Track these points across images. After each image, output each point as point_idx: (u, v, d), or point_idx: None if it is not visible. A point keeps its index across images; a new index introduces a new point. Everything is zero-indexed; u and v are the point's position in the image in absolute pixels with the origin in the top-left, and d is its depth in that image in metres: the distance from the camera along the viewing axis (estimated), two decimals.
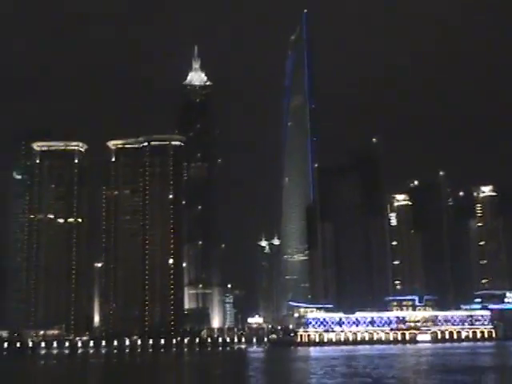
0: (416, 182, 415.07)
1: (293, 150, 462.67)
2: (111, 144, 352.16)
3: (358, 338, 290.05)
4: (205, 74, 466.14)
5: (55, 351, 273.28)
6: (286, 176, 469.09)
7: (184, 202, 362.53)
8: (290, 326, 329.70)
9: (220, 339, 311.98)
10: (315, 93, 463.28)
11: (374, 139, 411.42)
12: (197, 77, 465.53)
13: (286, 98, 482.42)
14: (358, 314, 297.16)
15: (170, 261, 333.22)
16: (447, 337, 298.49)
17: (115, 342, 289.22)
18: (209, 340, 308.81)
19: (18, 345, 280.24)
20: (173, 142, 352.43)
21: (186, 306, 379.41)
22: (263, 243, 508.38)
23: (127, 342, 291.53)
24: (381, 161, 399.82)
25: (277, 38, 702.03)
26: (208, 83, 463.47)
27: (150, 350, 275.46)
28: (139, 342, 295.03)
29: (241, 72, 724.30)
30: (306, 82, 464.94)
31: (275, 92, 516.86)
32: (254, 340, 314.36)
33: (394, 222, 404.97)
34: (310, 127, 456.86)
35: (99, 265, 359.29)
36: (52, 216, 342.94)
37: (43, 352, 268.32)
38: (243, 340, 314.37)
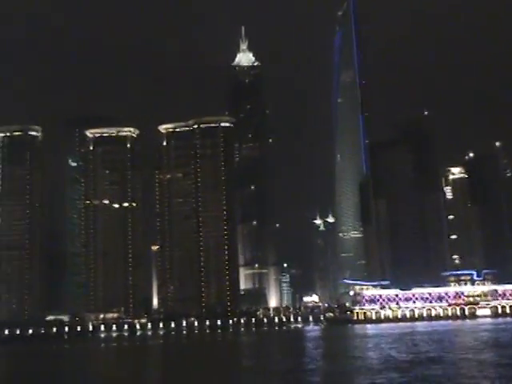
0: (471, 155, 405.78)
1: (344, 127, 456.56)
2: (162, 128, 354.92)
3: (415, 315, 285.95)
4: (253, 55, 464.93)
5: (114, 334, 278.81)
6: (337, 153, 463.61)
7: (236, 183, 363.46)
8: (347, 304, 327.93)
9: (276, 319, 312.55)
10: (365, 68, 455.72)
11: (425, 112, 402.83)
12: (245, 57, 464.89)
13: (335, 75, 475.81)
14: (415, 290, 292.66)
15: (225, 242, 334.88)
16: (508, 311, 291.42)
17: (172, 324, 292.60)
18: (265, 320, 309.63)
19: (79, 328, 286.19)
20: (223, 124, 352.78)
21: (243, 287, 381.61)
22: (318, 221, 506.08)
23: (184, 324, 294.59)
24: (433, 134, 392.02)
25: (324, 13, 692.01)
26: (256, 63, 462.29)
27: (207, 331, 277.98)
28: (196, 323, 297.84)
29: (289, 50, 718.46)
30: (355, 58, 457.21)
31: (324, 69, 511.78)
32: (311, 319, 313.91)
33: (449, 195, 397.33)
34: (361, 103, 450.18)
35: (155, 248, 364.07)
36: (107, 201, 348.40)
37: (103, 335, 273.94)
38: (299, 319, 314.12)
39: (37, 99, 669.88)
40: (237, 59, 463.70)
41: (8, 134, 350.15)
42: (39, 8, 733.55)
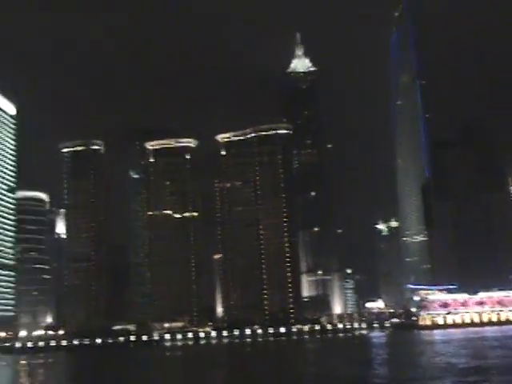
0: None
1: (404, 129, 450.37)
2: (220, 138, 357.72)
3: (484, 320, 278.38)
4: (309, 60, 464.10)
5: (179, 343, 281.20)
6: (398, 156, 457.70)
7: (296, 189, 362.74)
8: (412, 309, 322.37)
9: (341, 325, 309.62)
10: (424, 68, 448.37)
11: (487, 111, 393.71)
12: (301, 63, 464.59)
13: (393, 76, 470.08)
14: (483, 294, 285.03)
15: (286, 249, 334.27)
16: None
17: (236, 332, 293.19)
18: (329, 327, 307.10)
19: (145, 338, 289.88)
20: (280, 131, 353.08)
21: (306, 294, 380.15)
22: (380, 226, 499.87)
23: (248, 331, 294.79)
24: (497, 133, 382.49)
25: (380, 15, 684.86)
26: (312, 69, 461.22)
27: (271, 339, 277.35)
28: (260, 330, 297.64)
29: (345, 54, 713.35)
30: (414, 58, 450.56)
31: (382, 71, 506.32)
32: (375, 325, 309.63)
33: None
34: (422, 104, 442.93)
35: (217, 256, 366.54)
36: (169, 212, 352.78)
37: (168, 344, 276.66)
38: (364, 325, 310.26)
39: (99, 113, 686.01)
40: (292, 65, 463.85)
41: (72, 149, 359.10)
42: (104, 21, 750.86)
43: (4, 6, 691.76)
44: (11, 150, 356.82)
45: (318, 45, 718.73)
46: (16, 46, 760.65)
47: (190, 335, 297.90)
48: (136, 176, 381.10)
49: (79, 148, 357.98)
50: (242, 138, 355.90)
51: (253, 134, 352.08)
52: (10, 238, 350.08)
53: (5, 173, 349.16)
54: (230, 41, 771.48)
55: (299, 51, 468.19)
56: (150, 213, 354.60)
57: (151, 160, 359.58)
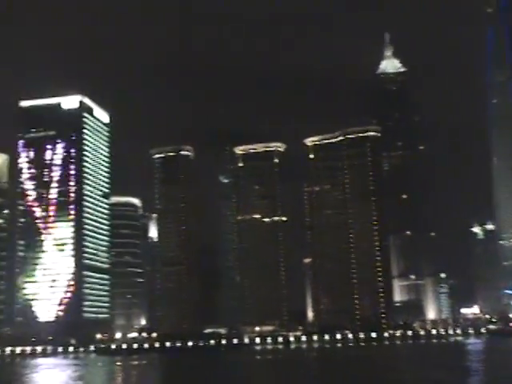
0: None
1: (500, 128, 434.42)
2: (308, 141, 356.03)
3: None
4: (399, 61, 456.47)
5: (269, 346, 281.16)
6: (494, 155, 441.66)
7: (387, 192, 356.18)
8: (511, 315, 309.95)
9: (434, 331, 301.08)
10: None
11: None
12: (390, 64, 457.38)
13: (488, 74, 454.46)
14: None
15: (377, 253, 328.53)
16: None
17: (326, 336, 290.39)
18: (422, 332, 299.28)
19: (235, 341, 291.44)
20: (369, 133, 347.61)
21: (398, 299, 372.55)
22: (475, 229, 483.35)
23: (339, 336, 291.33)
24: None
25: (472, 11, 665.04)
26: (402, 69, 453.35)
27: (362, 344, 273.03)
28: (350, 335, 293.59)
29: (435, 53, 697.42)
30: (509, 55, 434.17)
31: (473, 70, 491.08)
32: (471, 331, 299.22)
33: None
34: None
35: (307, 260, 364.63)
36: (258, 216, 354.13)
37: (258, 347, 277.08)
38: (459, 331, 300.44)
39: (188, 119, 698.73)
40: (381, 67, 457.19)
41: (163, 155, 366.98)
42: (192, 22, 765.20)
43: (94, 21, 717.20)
44: (105, 157, 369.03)
45: (408, 45, 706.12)
46: (107, 58, 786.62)
47: (280, 339, 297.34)
48: (225, 180, 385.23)
49: (169, 154, 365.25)
50: (330, 140, 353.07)
51: (342, 137, 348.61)
52: (105, 243, 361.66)
53: (100, 179, 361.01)
54: (320, 43, 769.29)
55: (388, 52, 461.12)
56: (240, 217, 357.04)
57: (240, 164, 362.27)
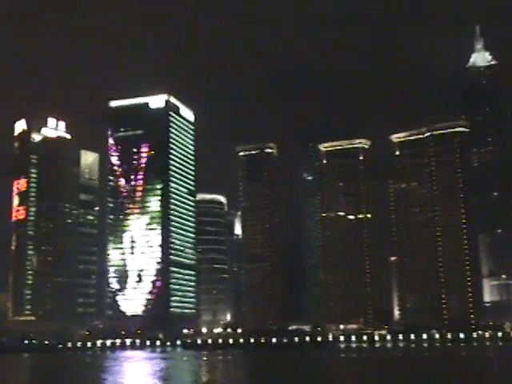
0: None
1: None
2: (394, 138, 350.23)
3: None
4: (489, 54, 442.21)
5: (354, 345, 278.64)
6: None
7: (476, 190, 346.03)
8: None
9: None
10: None
11: None
12: (480, 57, 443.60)
13: None
14: None
15: (465, 251, 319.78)
16: None
17: (412, 336, 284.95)
18: None
19: (319, 338, 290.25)
20: (457, 129, 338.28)
21: (488, 298, 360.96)
22: None
23: (425, 336, 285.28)
24: None
25: None
26: (493, 62, 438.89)
27: (449, 344, 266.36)
28: (437, 335, 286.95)
29: None
30: None
31: None
32: None
33: None
34: None
35: (393, 258, 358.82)
36: (342, 213, 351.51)
37: (342, 345, 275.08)
38: None
39: (272, 116, 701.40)
40: (471, 60, 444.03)
41: (247, 153, 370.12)
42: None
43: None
44: (191, 155, 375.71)
45: (499, 37, 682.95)
46: (194, 57, 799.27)
47: (364, 337, 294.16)
48: (309, 178, 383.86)
49: (254, 152, 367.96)
50: (417, 137, 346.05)
51: (429, 133, 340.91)
52: (191, 240, 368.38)
53: (186, 177, 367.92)
54: (408, 37, 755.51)
55: (479, 45, 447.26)
56: (324, 214, 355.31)
57: (324, 161, 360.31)
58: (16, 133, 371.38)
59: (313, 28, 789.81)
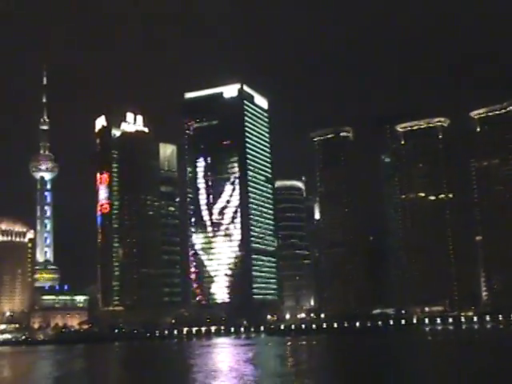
0: None
1: None
2: (474, 114, 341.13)
3: None
4: None
5: (439, 327, 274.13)
6: None
7: None
8: None
9: None
10: None
11: None
12: None
13: None
14: None
15: None
16: None
17: (500, 317, 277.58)
18: None
19: (403, 322, 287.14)
20: None
21: None
22: None
23: None
24: None
25: None
26: None
27: None
28: None
29: None
30: None
31: None
32: None
33: None
34: None
35: (478, 238, 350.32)
36: (422, 194, 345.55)
37: (427, 328, 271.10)
38: None
39: (347, 99, 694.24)
40: None
41: (322, 138, 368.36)
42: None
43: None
44: (266, 142, 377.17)
45: None
46: (267, 45, 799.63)
47: (450, 320, 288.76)
48: (387, 160, 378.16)
49: (329, 136, 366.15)
50: (499, 112, 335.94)
51: (510, 108, 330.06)
52: (270, 227, 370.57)
53: (263, 165, 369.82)
54: (488, 11, 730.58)
55: None
56: (403, 196, 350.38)
57: (402, 142, 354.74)
58: (96, 129, 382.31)
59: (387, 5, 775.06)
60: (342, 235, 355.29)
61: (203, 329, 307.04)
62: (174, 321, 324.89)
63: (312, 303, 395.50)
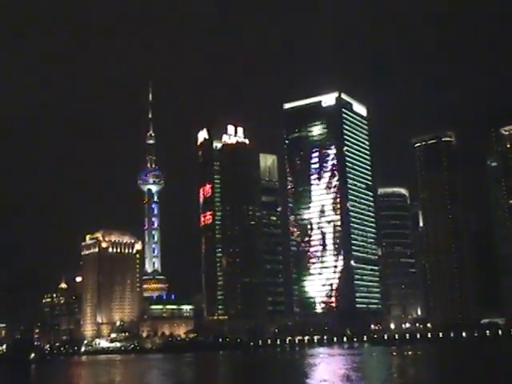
0: None
1: None
2: None
3: None
4: None
5: None
6: None
7: None
8: None
9: None
10: None
11: None
12: None
13: None
14: None
15: None
16: None
17: None
18: None
19: None
20: None
21: None
22: None
23: None
24: None
25: None
26: None
27: None
28: None
29: None
30: None
31: None
32: None
33: None
34: None
35: None
36: None
37: None
38: None
39: (449, 103, 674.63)
40: None
41: (423, 143, 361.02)
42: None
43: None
44: (366, 149, 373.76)
45: None
46: (363, 52, 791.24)
47: None
48: (494, 164, 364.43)
49: (430, 141, 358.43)
50: None
51: None
52: (372, 235, 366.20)
53: (363, 172, 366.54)
54: None
55: None
56: (511, 201, 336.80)
57: (508, 146, 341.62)
58: (199, 142, 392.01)
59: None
60: (446, 242, 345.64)
61: (306, 338, 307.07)
62: (277, 330, 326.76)
63: (419, 312, 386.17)
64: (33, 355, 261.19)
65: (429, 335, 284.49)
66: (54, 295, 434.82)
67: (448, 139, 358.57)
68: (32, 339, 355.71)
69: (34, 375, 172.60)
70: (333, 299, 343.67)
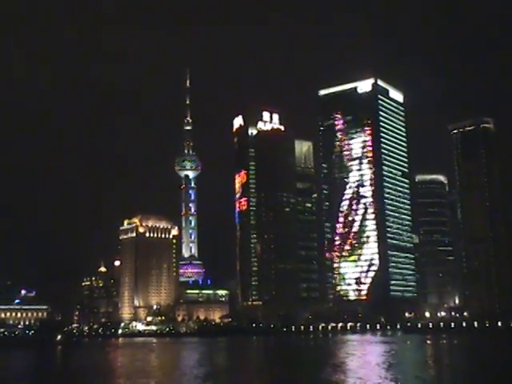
0: None
1: None
2: None
3: None
4: None
5: None
6: None
7: None
8: None
9: None
10: None
11: None
12: None
13: None
14: None
15: None
16: None
17: None
18: None
19: None
20: None
21: None
22: None
23: None
24: None
25: None
26: None
27: None
28: None
29: None
30: None
31: None
32: None
33: None
34: None
35: None
36: None
37: None
38: None
39: (486, 91, 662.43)
40: None
41: (460, 130, 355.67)
42: None
43: None
44: (402, 136, 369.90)
45: None
46: (400, 38, 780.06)
47: None
48: None
49: (468, 128, 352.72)
50: None
51: None
52: (407, 222, 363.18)
53: (399, 159, 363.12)
54: None
55: None
56: None
57: None
58: (234, 129, 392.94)
59: None
60: (483, 230, 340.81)
61: (339, 325, 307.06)
62: (310, 316, 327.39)
63: (457, 301, 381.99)
64: (59, 337, 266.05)
65: (463, 324, 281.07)
66: (93, 278, 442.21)
67: (486, 125, 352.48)
68: (59, 321, 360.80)
69: (58, 357, 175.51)
70: (367, 286, 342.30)
